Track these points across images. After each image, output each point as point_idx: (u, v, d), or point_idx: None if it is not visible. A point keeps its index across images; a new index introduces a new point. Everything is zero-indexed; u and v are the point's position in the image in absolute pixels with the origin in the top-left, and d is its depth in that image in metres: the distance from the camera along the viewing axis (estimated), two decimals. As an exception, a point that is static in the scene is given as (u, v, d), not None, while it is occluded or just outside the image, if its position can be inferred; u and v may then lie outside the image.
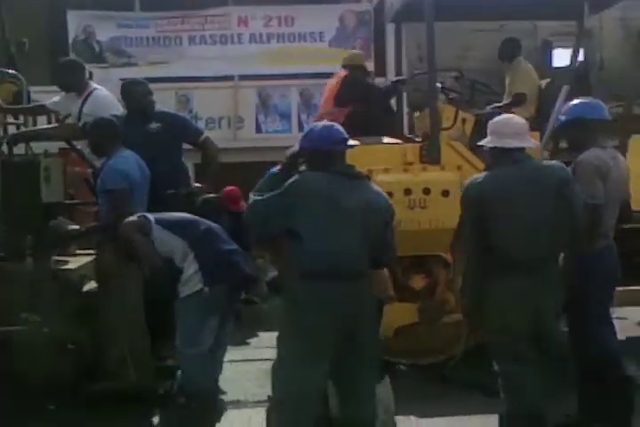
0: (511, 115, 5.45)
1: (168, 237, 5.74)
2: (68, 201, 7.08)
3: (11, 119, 7.92)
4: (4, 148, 6.92)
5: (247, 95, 13.59)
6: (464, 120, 7.51)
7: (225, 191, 9.32)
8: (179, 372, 5.89)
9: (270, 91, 13.67)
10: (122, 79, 7.64)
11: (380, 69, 12.57)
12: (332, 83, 8.14)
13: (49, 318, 6.15)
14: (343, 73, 8.08)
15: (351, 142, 4.76)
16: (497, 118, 5.18)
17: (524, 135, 5.01)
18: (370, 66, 10.31)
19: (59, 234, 6.38)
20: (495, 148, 4.99)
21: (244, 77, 13.56)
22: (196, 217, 6.02)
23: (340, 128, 4.71)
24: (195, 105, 13.53)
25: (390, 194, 6.09)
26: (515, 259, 4.86)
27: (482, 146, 5.15)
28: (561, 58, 10.33)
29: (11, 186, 6.52)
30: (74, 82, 7.12)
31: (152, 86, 7.03)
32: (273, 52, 13.69)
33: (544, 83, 8.35)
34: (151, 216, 5.82)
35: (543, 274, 4.91)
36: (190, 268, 5.68)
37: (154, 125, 6.71)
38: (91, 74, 8.44)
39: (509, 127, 5.01)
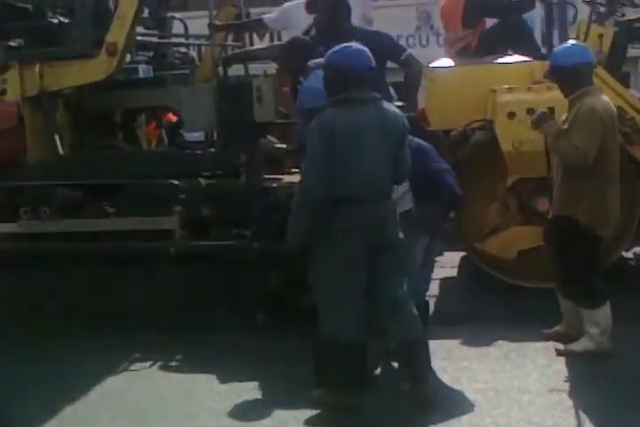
0: None
1: None
2: (279, 120, 7.24)
3: (230, 41, 8.13)
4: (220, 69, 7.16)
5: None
6: (600, 35, 6.93)
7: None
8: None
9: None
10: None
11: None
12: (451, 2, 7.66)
13: (258, 233, 6.40)
14: None
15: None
16: None
17: None
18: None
19: (266, 153, 6.55)
20: None
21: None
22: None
23: (370, 55, 4.87)
24: (435, 20, 13.34)
25: (513, 114, 5.85)
26: None
27: None
28: None
29: (225, 106, 6.75)
30: None
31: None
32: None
33: None
34: None
35: None
36: (402, 186, 5.50)
37: (354, 43, 6.62)
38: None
39: None
